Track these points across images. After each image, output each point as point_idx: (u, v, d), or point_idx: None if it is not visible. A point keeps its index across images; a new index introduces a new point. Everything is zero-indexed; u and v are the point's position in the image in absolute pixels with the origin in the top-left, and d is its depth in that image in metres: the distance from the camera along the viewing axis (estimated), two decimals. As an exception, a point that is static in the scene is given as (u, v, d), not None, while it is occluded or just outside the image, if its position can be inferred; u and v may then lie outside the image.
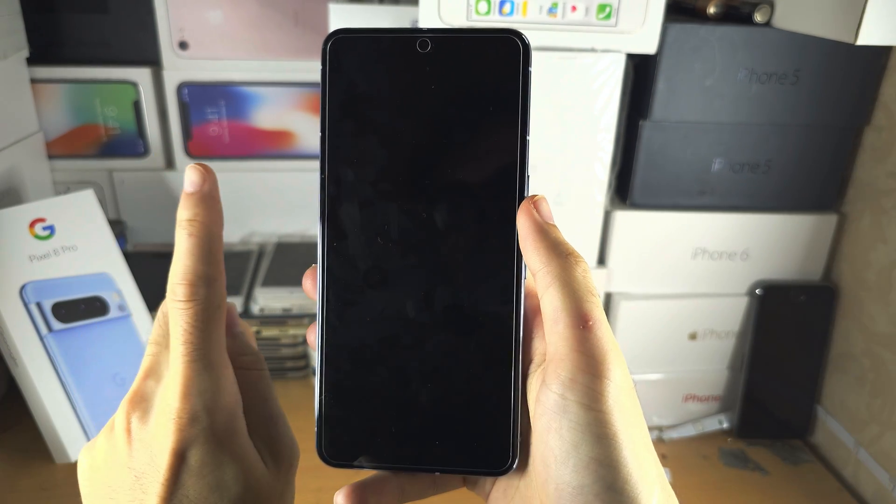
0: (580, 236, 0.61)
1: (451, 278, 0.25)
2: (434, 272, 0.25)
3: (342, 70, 0.25)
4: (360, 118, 0.25)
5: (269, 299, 0.69)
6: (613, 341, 0.23)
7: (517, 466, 0.25)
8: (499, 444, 0.25)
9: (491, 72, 0.25)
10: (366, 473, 0.27)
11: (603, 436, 0.21)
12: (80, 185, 0.77)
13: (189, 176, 0.26)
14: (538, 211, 0.24)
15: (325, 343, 0.26)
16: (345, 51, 0.25)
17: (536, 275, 0.24)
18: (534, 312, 0.26)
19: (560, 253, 0.23)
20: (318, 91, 0.25)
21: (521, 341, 0.25)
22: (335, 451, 0.26)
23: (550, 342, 0.23)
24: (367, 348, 0.26)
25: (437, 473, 0.26)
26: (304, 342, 0.70)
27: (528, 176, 0.25)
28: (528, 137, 0.25)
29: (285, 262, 0.76)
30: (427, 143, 0.25)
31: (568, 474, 0.21)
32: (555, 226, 0.24)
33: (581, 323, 0.22)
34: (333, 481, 0.55)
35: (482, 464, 0.25)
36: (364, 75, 0.25)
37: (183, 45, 0.74)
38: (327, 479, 0.52)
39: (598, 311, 0.23)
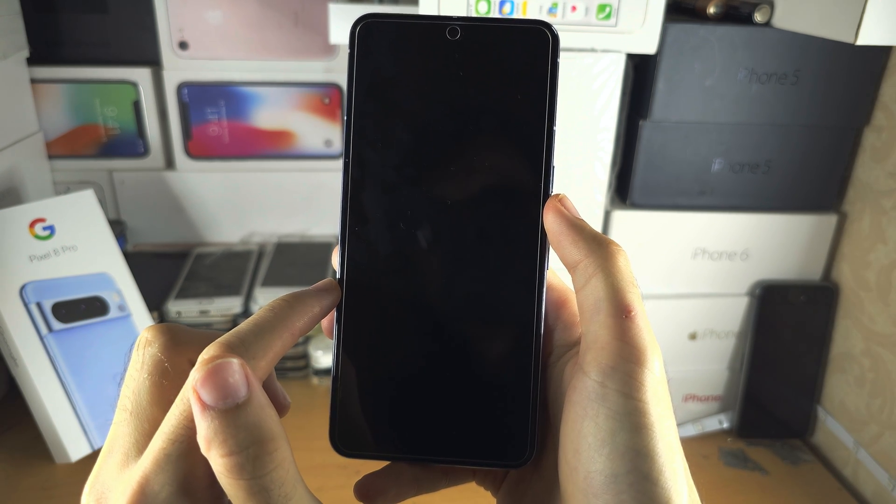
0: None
1: (472, 268, 0.25)
2: (456, 261, 0.25)
3: (370, 54, 0.25)
4: (387, 103, 0.25)
5: (269, 299, 0.68)
6: (652, 333, 0.23)
7: (532, 459, 0.25)
8: (517, 436, 0.25)
9: (519, 62, 0.25)
10: (379, 464, 0.26)
11: (641, 425, 0.21)
12: (80, 185, 0.77)
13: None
14: (565, 207, 0.24)
15: (342, 330, 0.25)
16: (373, 35, 0.25)
17: (576, 267, 0.23)
18: (554, 306, 0.26)
19: (601, 242, 0.23)
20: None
21: (542, 333, 0.25)
22: (350, 441, 0.25)
23: (589, 331, 0.23)
24: (386, 337, 0.25)
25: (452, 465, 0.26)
26: (305, 342, 0.70)
27: (554, 167, 0.25)
28: (554, 128, 0.25)
29: (285, 262, 0.76)
30: (453, 131, 0.25)
31: (601, 462, 0.21)
32: (584, 220, 0.24)
33: (623, 313, 0.22)
34: (333, 480, 0.55)
35: (500, 456, 0.25)
36: (392, 60, 0.25)
37: (183, 46, 0.74)
38: (327, 478, 0.52)
39: (639, 303, 0.23)
